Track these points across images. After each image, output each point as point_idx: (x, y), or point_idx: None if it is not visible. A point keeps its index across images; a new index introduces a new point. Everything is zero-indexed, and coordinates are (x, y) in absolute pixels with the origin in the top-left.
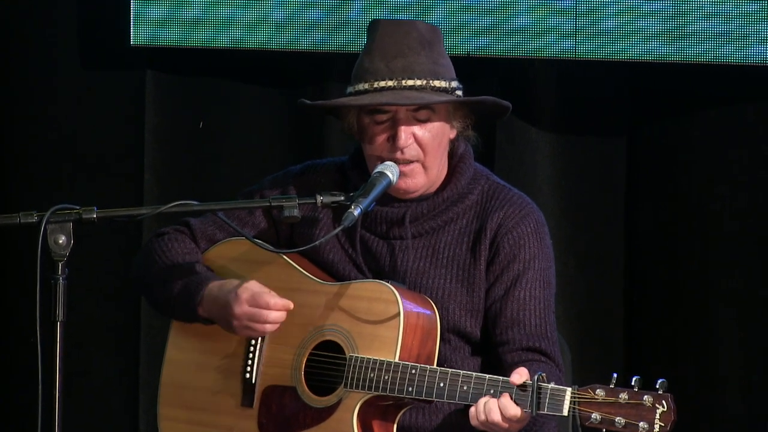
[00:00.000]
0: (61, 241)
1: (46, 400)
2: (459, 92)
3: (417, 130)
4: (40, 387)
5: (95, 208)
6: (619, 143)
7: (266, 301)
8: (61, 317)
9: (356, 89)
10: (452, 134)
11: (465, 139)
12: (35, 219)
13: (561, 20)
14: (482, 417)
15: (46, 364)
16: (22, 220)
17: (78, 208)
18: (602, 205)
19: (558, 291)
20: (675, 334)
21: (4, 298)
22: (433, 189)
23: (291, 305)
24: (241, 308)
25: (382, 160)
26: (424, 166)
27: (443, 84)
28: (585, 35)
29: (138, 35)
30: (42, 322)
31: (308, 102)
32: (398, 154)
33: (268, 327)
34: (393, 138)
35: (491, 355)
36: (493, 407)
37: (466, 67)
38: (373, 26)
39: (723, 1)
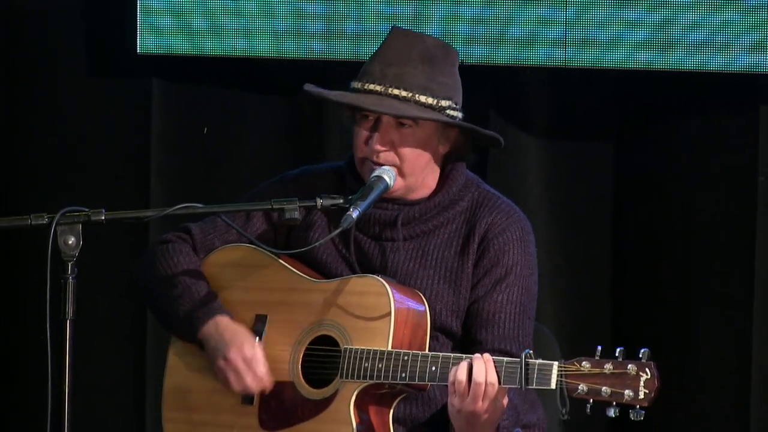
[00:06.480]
0: (70, 242)
1: (56, 396)
2: (451, 112)
3: (397, 138)
4: (49, 383)
5: (104, 210)
6: (607, 149)
7: (255, 370)
8: (70, 315)
9: (352, 86)
10: (443, 150)
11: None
12: (46, 220)
13: (551, 30)
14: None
15: (56, 360)
16: (33, 222)
17: (87, 210)
18: (590, 209)
19: (548, 292)
20: (660, 335)
21: (15, 298)
22: (426, 194)
23: (270, 388)
24: (235, 358)
25: (364, 159)
26: (400, 172)
27: (430, 100)
28: (574, 44)
29: (144, 44)
30: (52, 320)
31: (310, 89)
32: (374, 157)
33: (238, 388)
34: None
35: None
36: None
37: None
38: (390, 32)
39: (709, 10)
